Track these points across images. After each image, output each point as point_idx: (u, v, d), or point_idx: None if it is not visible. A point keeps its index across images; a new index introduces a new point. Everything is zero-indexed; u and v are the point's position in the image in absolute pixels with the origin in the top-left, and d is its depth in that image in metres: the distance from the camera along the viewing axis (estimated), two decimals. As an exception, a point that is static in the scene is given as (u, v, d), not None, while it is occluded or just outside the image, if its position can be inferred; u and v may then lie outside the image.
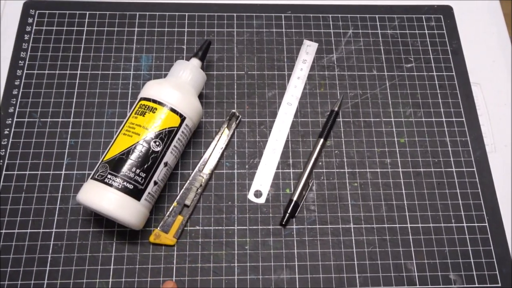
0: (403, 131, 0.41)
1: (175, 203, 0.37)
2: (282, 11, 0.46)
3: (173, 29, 0.45)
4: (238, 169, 0.39)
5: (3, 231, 0.36)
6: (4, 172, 0.38)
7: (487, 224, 0.38)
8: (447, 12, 0.47)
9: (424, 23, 0.46)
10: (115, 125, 0.40)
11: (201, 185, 0.38)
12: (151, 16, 0.45)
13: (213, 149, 0.39)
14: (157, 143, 0.34)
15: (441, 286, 0.36)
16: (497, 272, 0.37)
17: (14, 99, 0.40)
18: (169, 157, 0.35)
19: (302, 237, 0.37)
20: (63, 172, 0.38)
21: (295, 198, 0.38)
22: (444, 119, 0.42)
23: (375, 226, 0.38)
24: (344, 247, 0.37)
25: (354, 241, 0.37)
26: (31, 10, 0.44)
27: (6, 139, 0.39)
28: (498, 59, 0.45)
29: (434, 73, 0.44)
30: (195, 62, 0.38)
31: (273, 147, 0.40)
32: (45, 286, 0.34)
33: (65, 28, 0.44)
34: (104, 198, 0.32)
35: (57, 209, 0.37)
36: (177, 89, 0.35)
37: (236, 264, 0.36)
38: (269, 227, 0.37)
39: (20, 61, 0.42)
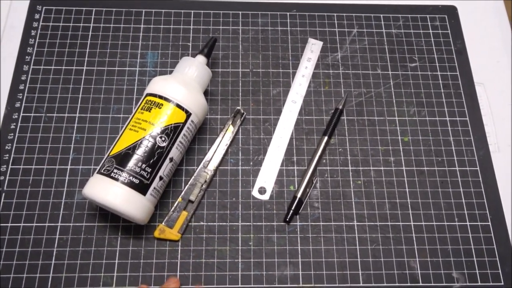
0: (407, 130, 0.42)
1: (179, 199, 0.37)
2: (287, 10, 0.46)
3: (178, 27, 0.45)
4: (242, 166, 0.39)
5: (9, 224, 0.36)
6: (10, 166, 0.38)
7: (490, 223, 0.38)
8: (451, 12, 0.47)
9: (429, 23, 0.47)
10: (121, 120, 0.40)
11: (205, 181, 0.38)
12: (157, 13, 0.45)
13: (218, 146, 0.40)
14: (163, 139, 0.34)
15: (444, 284, 0.36)
16: (500, 271, 0.37)
17: (21, 94, 0.41)
18: (175, 152, 0.35)
19: (306, 234, 0.37)
20: (68, 167, 0.38)
21: (299, 195, 0.38)
22: (448, 119, 0.42)
23: (379, 223, 0.38)
24: (348, 244, 0.37)
25: (358, 239, 0.37)
26: (38, 6, 0.45)
27: (12, 134, 0.39)
28: (502, 59, 0.46)
29: (438, 73, 0.44)
30: (201, 59, 0.39)
31: (277, 144, 0.40)
32: (50, 279, 0.35)
33: (71, 24, 0.44)
34: (110, 192, 0.32)
35: (63, 203, 0.37)
36: (183, 85, 0.35)
37: (240, 260, 0.36)
38: (273, 223, 0.38)
39: (26, 57, 0.42)
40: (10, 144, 0.39)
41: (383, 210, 0.38)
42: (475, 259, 0.37)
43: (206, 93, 0.42)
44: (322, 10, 0.47)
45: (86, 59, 0.43)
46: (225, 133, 0.40)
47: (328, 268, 0.36)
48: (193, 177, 0.38)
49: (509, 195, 0.40)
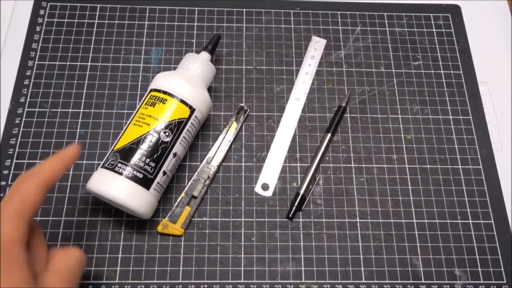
0: (410, 128, 0.42)
1: (183, 194, 0.38)
2: (291, 8, 0.46)
3: (182, 23, 0.45)
4: (245, 162, 0.40)
5: (13, 218, 0.36)
6: (15, 161, 0.38)
7: (492, 221, 0.38)
8: (455, 11, 0.47)
9: (432, 22, 0.47)
10: (125, 116, 0.40)
11: (209, 177, 0.38)
12: (161, 10, 0.45)
13: (221, 142, 0.40)
14: (167, 134, 0.34)
15: (446, 281, 0.36)
16: (502, 269, 0.37)
17: (25, 89, 0.41)
18: (178, 148, 0.35)
19: (309, 230, 0.37)
20: (72, 162, 0.39)
21: (302, 192, 0.38)
22: (451, 117, 0.42)
23: (381, 221, 0.38)
24: (350, 241, 0.37)
25: (360, 235, 0.37)
26: (43, 2, 0.45)
27: (17, 128, 0.39)
28: (505, 58, 0.46)
29: (442, 71, 0.44)
30: (205, 55, 0.39)
31: (280, 141, 0.40)
32: (53, 273, 0.35)
33: (76, 20, 0.44)
34: (114, 186, 0.32)
35: (66, 198, 0.37)
36: (187, 81, 0.36)
37: (242, 256, 0.36)
38: (275, 219, 0.38)
39: (31, 52, 0.42)
40: (14, 139, 0.39)
41: (386, 208, 0.39)
42: (477, 257, 0.37)
43: (209, 89, 0.42)
44: (326, 8, 0.47)
45: (90, 55, 0.43)
46: (228, 130, 0.40)
47: (331, 264, 0.36)
48: (196, 173, 0.38)
49: (512, 194, 0.40)
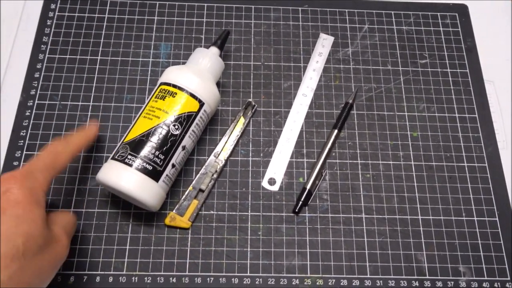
0: (416, 125, 0.42)
1: (190, 188, 0.38)
2: (299, 5, 0.47)
3: (192, 19, 0.45)
4: (253, 157, 0.40)
5: (23, 209, 0.37)
6: (25, 152, 0.39)
7: (497, 218, 0.39)
8: (462, 10, 0.48)
9: (439, 21, 0.47)
10: (134, 110, 0.41)
11: (216, 171, 0.39)
12: (171, 5, 0.46)
13: (229, 137, 0.40)
14: (176, 127, 0.34)
15: (451, 277, 0.37)
16: (506, 266, 0.37)
17: (36, 82, 0.41)
18: (187, 141, 0.35)
19: (314, 225, 0.38)
20: (81, 154, 0.39)
21: (308, 187, 0.38)
22: (457, 115, 0.43)
23: (387, 217, 0.38)
24: (356, 236, 0.38)
25: (365, 231, 0.38)
26: (54, -3, 0.45)
27: (27, 120, 0.40)
28: (512, 58, 0.46)
29: (448, 70, 0.45)
30: (214, 50, 0.39)
31: (287, 137, 0.41)
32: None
33: (86, 14, 0.45)
34: (123, 177, 0.33)
35: (75, 189, 0.38)
36: (196, 75, 0.36)
37: (249, 249, 0.37)
38: (282, 214, 0.38)
39: (42, 45, 0.43)
40: (25, 131, 0.39)
41: (391, 204, 0.39)
42: (482, 254, 0.37)
43: (218, 84, 0.42)
44: (334, 6, 0.47)
45: (100, 49, 0.43)
46: (236, 125, 0.41)
47: (336, 259, 0.37)
48: (204, 167, 0.39)
49: (517, 192, 0.40)
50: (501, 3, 0.49)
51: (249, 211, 0.38)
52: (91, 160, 0.39)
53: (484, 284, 0.36)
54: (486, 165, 0.41)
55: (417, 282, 0.36)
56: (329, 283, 0.36)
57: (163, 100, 0.35)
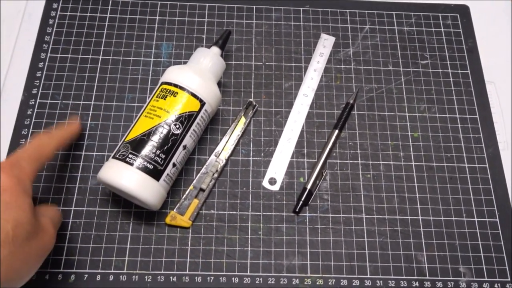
0: (417, 126, 0.42)
1: (191, 187, 0.38)
2: (300, 5, 0.47)
3: (193, 19, 0.45)
4: (253, 157, 0.40)
5: (24, 207, 0.37)
6: (26, 151, 0.39)
7: (498, 219, 0.39)
8: (463, 11, 0.48)
9: (441, 21, 0.47)
10: (135, 109, 0.41)
11: (217, 171, 0.39)
12: (172, 5, 0.46)
13: (230, 136, 0.40)
14: (177, 126, 0.35)
15: (451, 278, 0.37)
16: (507, 267, 0.37)
17: (38, 81, 0.42)
18: (188, 140, 0.35)
19: (315, 225, 0.38)
20: (83, 153, 0.39)
21: (309, 187, 0.38)
22: (458, 116, 0.43)
23: (387, 217, 0.38)
24: (356, 236, 0.38)
25: (366, 231, 0.38)
26: (56, -4, 0.45)
27: (29, 119, 0.40)
28: (513, 59, 0.46)
29: (449, 71, 0.45)
30: (216, 50, 0.39)
31: (288, 137, 0.41)
32: (63, 262, 0.35)
33: (88, 14, 0.45)
34: (124, 176, 0.33)
35: (76, 188, 0.38)
36: (198, 75, 0.36)
37: (249, 249, 0.37)
38: (282, 214, 0.38)
39: (44, 45, 0.43)
40: (26, 130, 0.40)
41: (392, 204, 0.39)
42: (482, 254, 0.37)
43: (219, 84, 0.42)
44: (335, 6, 0.47)
45: (102, 48, 0.43)
46: (237, 124, 0.41)
47: (336, 259, 0.37)
48: (204, 166, 0.39)
49: (518, 193, 0.40)
50: (503, 3, 0.49)
51: (250, 211, 0.38)
52: (92, 159, 0.39)
53: (484, 285, 0.36)
54: (487, 166, 0.41)
55: (417, 282, 0.36)
56: (329, 283, 0.36)
57: (164, 99, 0.35)
